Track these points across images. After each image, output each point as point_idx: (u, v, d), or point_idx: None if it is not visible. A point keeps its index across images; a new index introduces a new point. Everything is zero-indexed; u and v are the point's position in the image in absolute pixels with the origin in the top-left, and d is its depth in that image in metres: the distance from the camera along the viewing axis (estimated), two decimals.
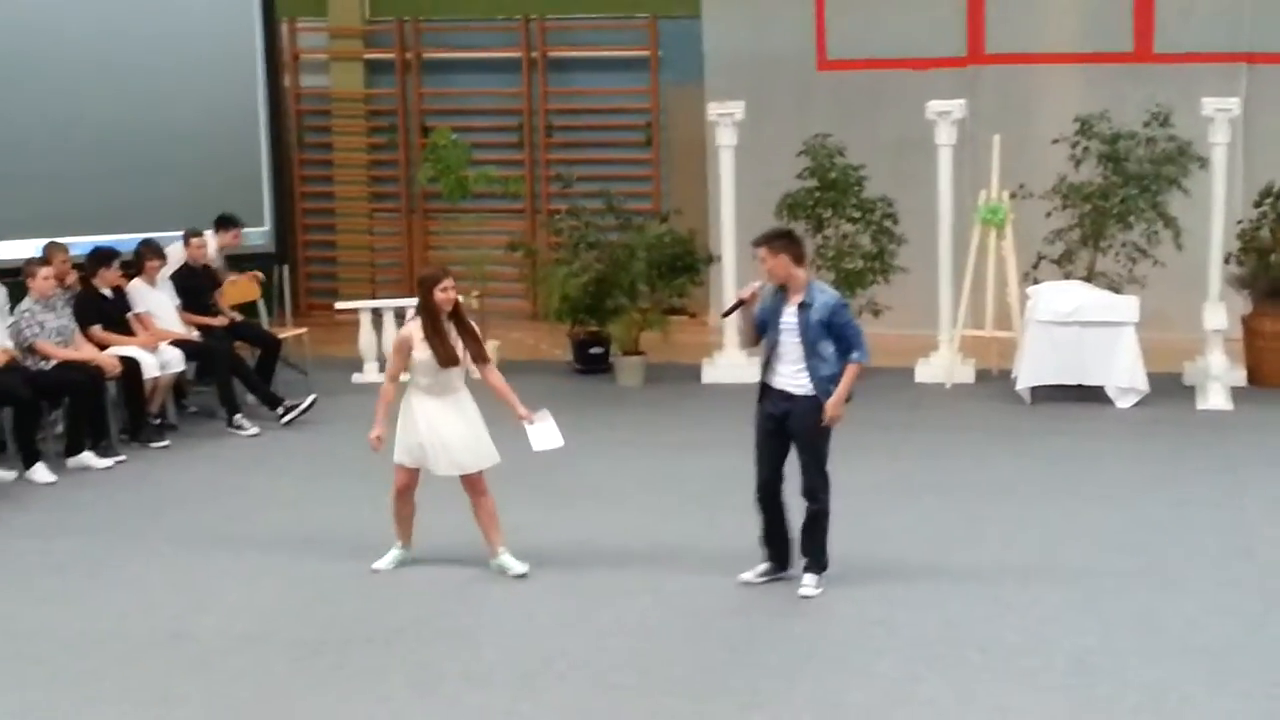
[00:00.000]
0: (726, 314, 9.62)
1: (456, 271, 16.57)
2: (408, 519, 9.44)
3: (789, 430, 8.82)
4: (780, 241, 8.81)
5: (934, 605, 8.66)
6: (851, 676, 7.66)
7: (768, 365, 8.86)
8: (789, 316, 8.73)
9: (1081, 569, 9.25)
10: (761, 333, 8.89)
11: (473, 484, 9.26)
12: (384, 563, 9.41)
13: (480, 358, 9.18)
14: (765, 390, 8.89)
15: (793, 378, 8.76)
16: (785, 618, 8.51)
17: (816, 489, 8.85)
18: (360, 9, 19.43)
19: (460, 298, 9.18)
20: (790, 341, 8.73)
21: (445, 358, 9.00)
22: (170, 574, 9.45)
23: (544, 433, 9.31)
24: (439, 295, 8.98)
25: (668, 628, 8.40)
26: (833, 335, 8.71)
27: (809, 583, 8.90)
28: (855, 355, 8.74)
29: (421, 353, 9.02)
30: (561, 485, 11.34)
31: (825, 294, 8.82)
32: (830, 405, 8.70)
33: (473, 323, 9.26)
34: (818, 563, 8.95)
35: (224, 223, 14.80)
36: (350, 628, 8.47)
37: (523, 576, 9.20)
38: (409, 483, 9.31)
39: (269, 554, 9.72)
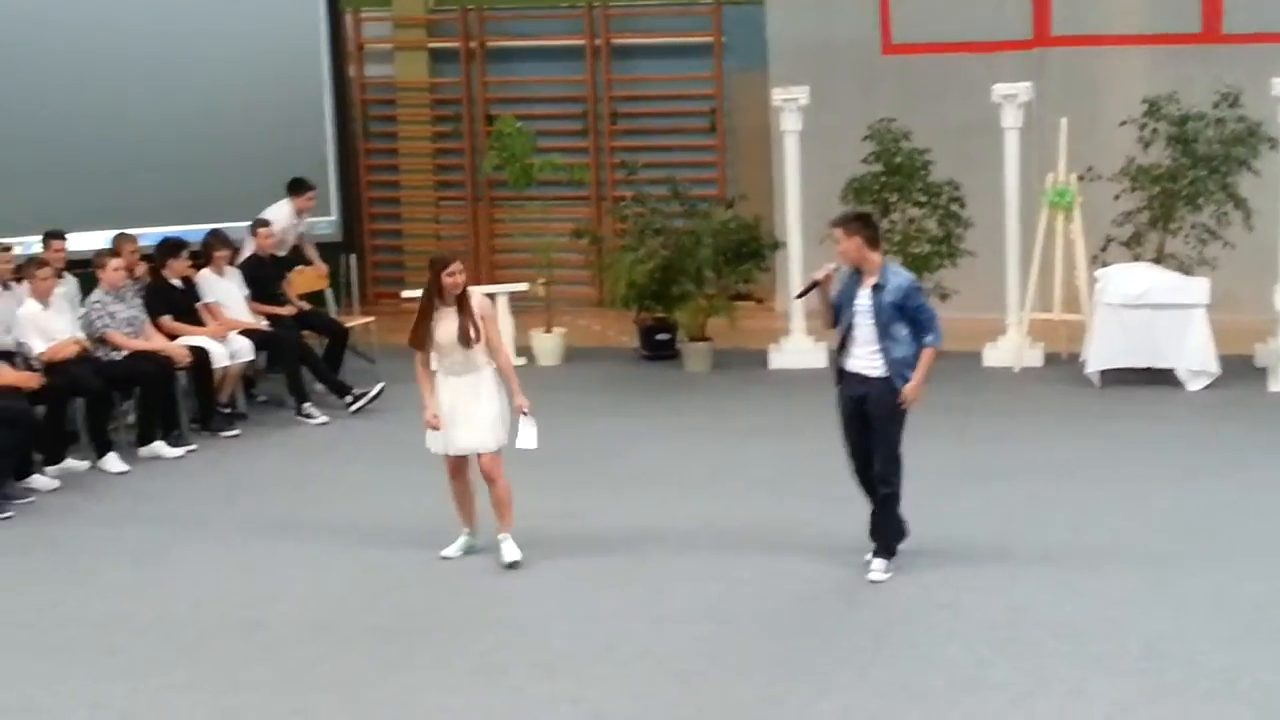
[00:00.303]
0: (801, 295, 9.70)
1: (523, 259, 16.80)
2: (467, 503, 9.49)
3: (867, 412, 8.85)
4: (855, 223, 8.86)
5: (1002, 589, 8.62)
6: (919, 662, 7.65)
7: (843, 348, 8.90)
8: (863, 299, 8.77)
9: (1151, 553, 9.19)
10: (838, 315, 8.93)
11: (485, 469, 9.30)
12: (452, 549, 9.46)
13: (466, 340, 9.10)
14: (841, 374, 8.94)
15: (867, 360, 8.80)
16: (852, 604, 8.50)
17: (889, 473, 8.85)
18: None
19: (479, 291, 9.27)
20: (865, 324, 8.77)
21: (417, 339, 9.17)
22: (241, 562, 9.53)
23: (527, 432, 9.31)
24: (445, 279, 9.10)
25: (735, 614, 8.40)
26: (906, 318, 8.75)
27: (878, 568, 8.89)
28: (929, 339, 8.77)
29: (442, 334, 9.12)
30: (628, 471, 11.38)
31: (899, 276, 8.87)
32: (909, 389, 8.73)
33: (477, 309, 9.19)
34: (887, 548, 8.94)
35: (296, 186, 14.87)
36: (418, 616, 8.52)
37: (514, 565, 9.21)
38: (457, 465, 9.38)
39: (338, 542, 9.78)
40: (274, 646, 8.11)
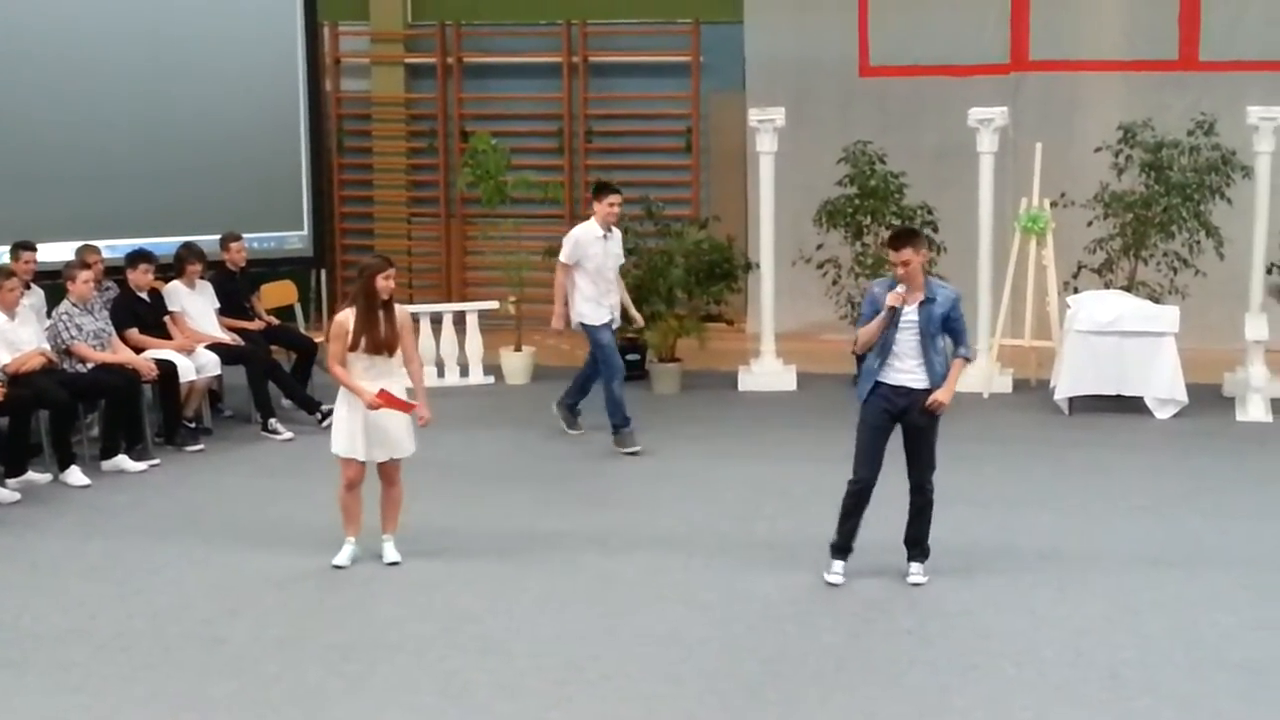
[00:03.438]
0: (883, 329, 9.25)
1: (494, 277, 16.75)
2: (359, 510, 9.63)
3: (908, 423, 9.08)
4: (921, 239, 9.14)
5: (967, 616, 8.62)
6: (883, 687, 7.63)
7: (882, 363, 9.03)
8: (910, 314, 8.97)
9: (1118, 581, 9.18)
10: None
11: (389, 472, 9.54)
12: (344, 558, 9.58)
13: (391, 348, 9.32)
14: (876, 387, 9.07)
15: (912, 372, 9.02)
16: (817, 628, 8.47)
17: (929, 480, 9.17)
18: (402, 13, 19.42)
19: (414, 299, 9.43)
20: (910, 338, 8.98)
21: (373, 344, 9.26)
22: (203, 577, 9.46)
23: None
24: (380, 282, 9.26)
25: (700, 637, 8.36)
26: (947, 329, 9.08)
27: (917, 571, 9.22)
28: (963, 350, 9.19)
29: (368, 341, 9.28)
30: (593, 491, 11.36)
31: (945, 289, 9.15)
32: (943, 394, 9.03)
33: (400, 314, 9.42)
34: (924, 551, 9.29)
35: (602, 190, 12.90)
36: (382, 634, 8.47)
37: (395, 564, 9.50)
38: (359, 476, 9.51)
39: (302, 558, 9.72)
40: (236, 662, 8.05)
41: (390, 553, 9.60)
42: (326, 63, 18.84)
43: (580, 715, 7.36)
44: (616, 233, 12.89)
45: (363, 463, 9.47)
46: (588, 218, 12.80)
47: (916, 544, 9.26)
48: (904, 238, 9.02)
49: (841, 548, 9.20)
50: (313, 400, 13.55)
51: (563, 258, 12.66)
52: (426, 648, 8.23)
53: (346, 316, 9.32)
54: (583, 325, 12.70)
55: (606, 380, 12.62)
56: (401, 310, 9.45)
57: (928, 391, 8.99)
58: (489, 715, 7.38)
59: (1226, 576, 9.26)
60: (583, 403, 13.18)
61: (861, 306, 9.33)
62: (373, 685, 7.74)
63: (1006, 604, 8.81)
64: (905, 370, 9.01)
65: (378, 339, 9.27)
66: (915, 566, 9.23)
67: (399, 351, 9.40)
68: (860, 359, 9.71)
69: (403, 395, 9.43)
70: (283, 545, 10.03)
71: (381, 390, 9.28)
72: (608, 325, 12.75)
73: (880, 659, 8.01)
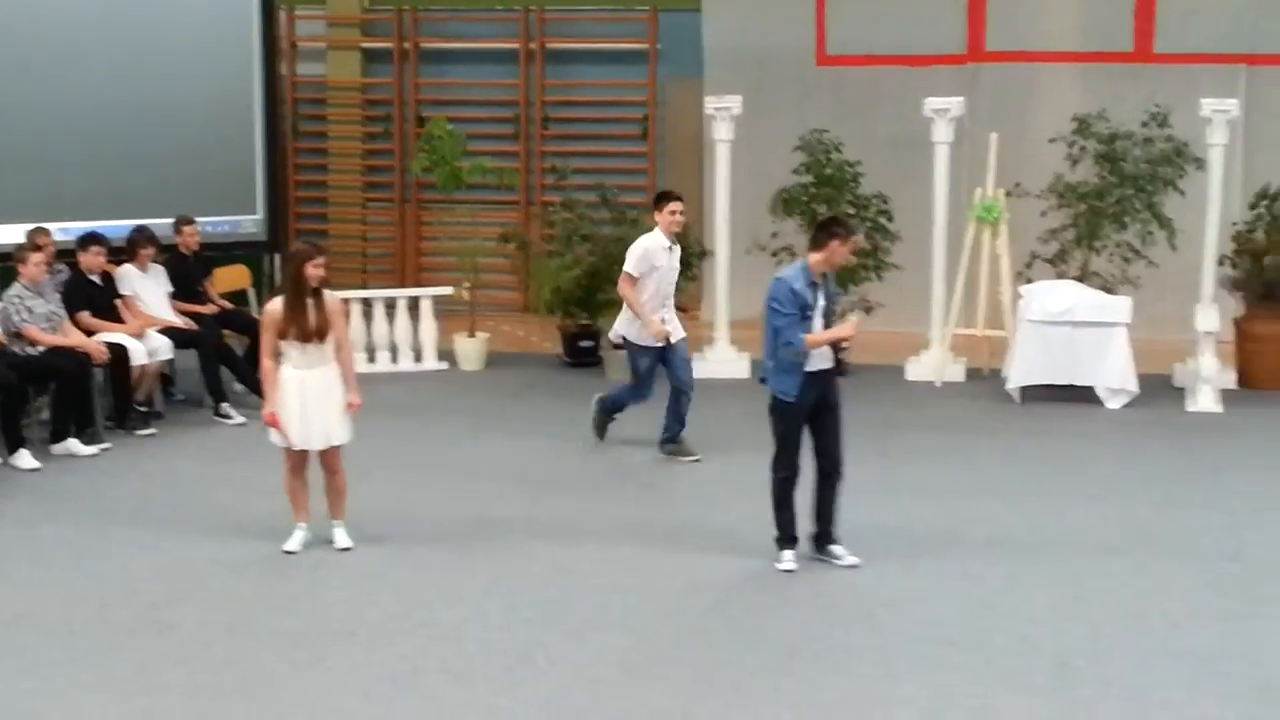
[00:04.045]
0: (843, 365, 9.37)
1: (449, 262, 16.74)
2: (305, 496, 9.65)
3: (827, 405, 9.19)
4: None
5: (917, 604, 8.65)
6: (832, 675, 7.64)
7: (807, 355, 9.07)
8: (821, 299, 9.09)
9: (1067, 570, 9.22)
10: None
11: (329, 460, 9.54)
12: (294, 544, 9.58)
13: (322, 335, 9.33)
14: (805, 378, 9.09)
15: (824, 354, 9.12)
16: (767, 615, 8.49)
17: (841, 456, 9.28)
18: None
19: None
20: (821, 323, 9.10)
21: (303, 332, 9.25)
22: (153, 562, 9.41)
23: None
24: (310, 270, 9.26)
25: (651, 623, 8.37)
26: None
27: (847, 551, 9.31)
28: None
29: (300, 327, 9.29)
30: (546, 478, 11.35)
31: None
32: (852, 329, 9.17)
33: (330, 300, 9.42)
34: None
35: (663, 198, 12.10)
36: (332, 619, 8.45)
37: (347, 550, 9.50)
38: (302, 461, 9.54)
39: (253, 543, 9.69)
40: (185, 648, 8.01)
41: (341, 538, 9.59)
42: (282, 47, 18.76)
43: (530, 702, 7.35)
44: (677, 246, 11.98)
45: (302, 451, 9.48)
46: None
47: (832, 521, 9.33)
48: (846, 227, 9.21)
49: (791, 537, 9.23)
50: None
51: (629, 269, 11.66)
52: (377, 634, 8.21)
53: (277, 305, 9.33)
54: (624, 341, 11.92)
55: (630, 392, 12.01)
56: (331, 296, 9.44)
57: (833, 368, 9.14)
58: (439, 702, 7.37)
59: (1175, 566, 9.32)
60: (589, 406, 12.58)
61: (779, 303, 8.99)
62: (322, 671, 7.71)
63: (956, 592, 8.84)
64: (820, 354, 9.09)
65: (308, 327, 9.26)
66: (843, 549, 9.29)
67: (330, 338, 9.39)
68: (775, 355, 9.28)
69: (338, 383, 9.43)
70: (233, 530, 9.99)
71: (272, 414, 9.34)
72: (651, 351, 11.83)
73: (830, 647, 8.02)
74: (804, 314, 8.96)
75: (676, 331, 11.88)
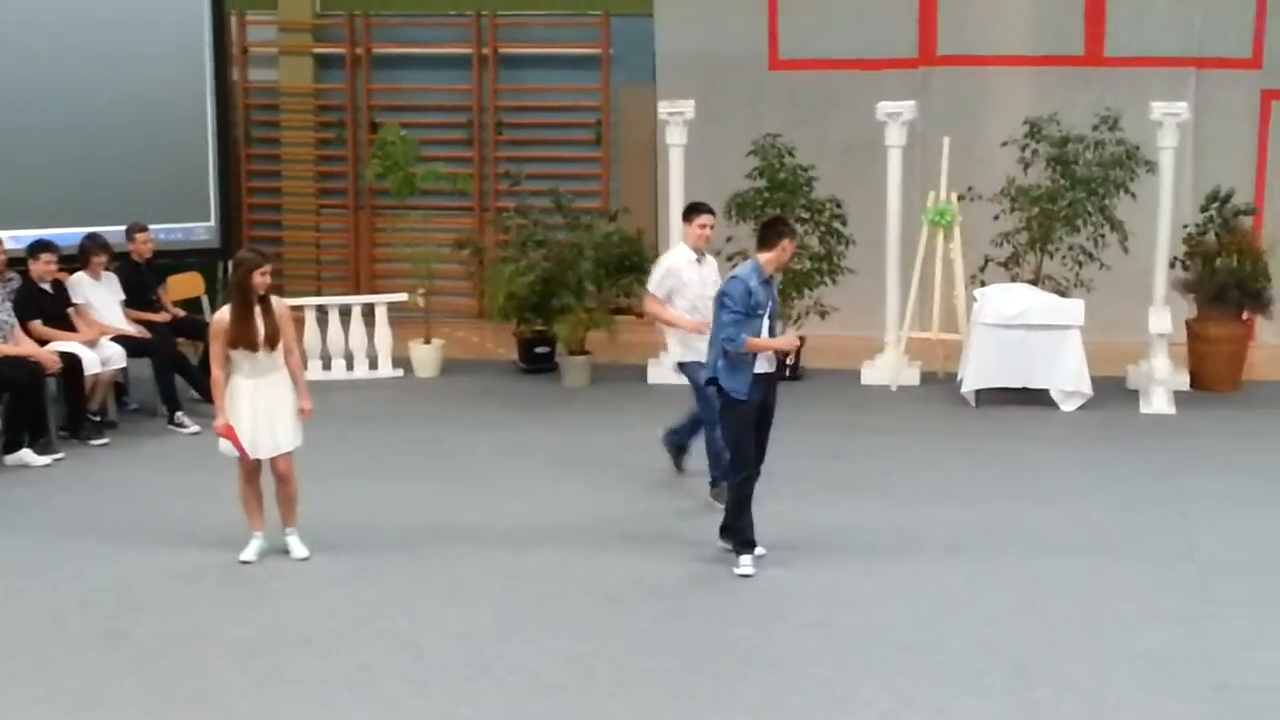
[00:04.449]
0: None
1: (403, 269, 16.69)
2: (259, 505, 9.63)
3: (766, 408, 9.26)
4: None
5: (875, 608, 8.67)
6: (790, 680, 7.65)
7: (755, 355, 9.13)
8: (772, 300, 9.20)
9: (1024, 572, 9.26)
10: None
11: (280, 467, 9.52)
12: (251, 553, 9.55)
13: (272, 343, 9.30)
14: (754, 379, 9.14)
15: (772, 358, 9.27)
16: (725, 621, 8.49)
17: (763, 458, 9.35)
18: (310, 3, 19.29)
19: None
20: (767, 325, 9.17)
21: (252, 341, 9.23)
22: (107, 573, 9.36)
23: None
24: (257, 278, 9.26)
25: (609, 630, 8.37)
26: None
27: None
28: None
29: (251, 336, 9.28)
30: (503, 485, 11.33)
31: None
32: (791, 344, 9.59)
33: (278, 307, 9.43)
34: None
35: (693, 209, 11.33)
36: (290, 629, 8.41)
37: (304, 559, 9.49)
38: (255, 469, 9.52)
39: (209, 553, 9.64)
40: (139, 659, 7.97)
41: (296, 547, 9.58)
42: (234, 53, 18.67)
43: (489, 711, 7.34)
44: (710, 258, 11.19)
45: (255, 459, 9.46)
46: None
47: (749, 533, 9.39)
48: (790, 227, 9.39)
49: (749, 541, 9.24)
50: None
51: (651, 288, 11.07)
52: (334, 643, 8.18)
53: (225, 315, 9.30)
54: (680, 366, 10.96)
55: (708, 427, 10.71)
56: (279, 303, 9.45)
57: (776, 372, 9.28)
58: (397, 711, 7.35)
59: (1130, 567, 9.37)
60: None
61: (732, 300, 9.03)
62: (280, 681, 7.68)
63: (913, 595, 8.87)
64: (766, 357, 9.20)
65: (256, 335, 9.23)
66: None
67: (280, 346, 9.37)
68: (724, 354, 9.20)
69: (289, 390, 9.43)
70: (189, 540, 9.94)
71: (227, 425, 9.30)
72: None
73: (788, 651, 8.04)
74: (754, 312, 9.01)
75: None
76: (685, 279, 10.87)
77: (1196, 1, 16.52)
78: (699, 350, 10.26)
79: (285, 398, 9.42)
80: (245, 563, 9.45)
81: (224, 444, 9.41)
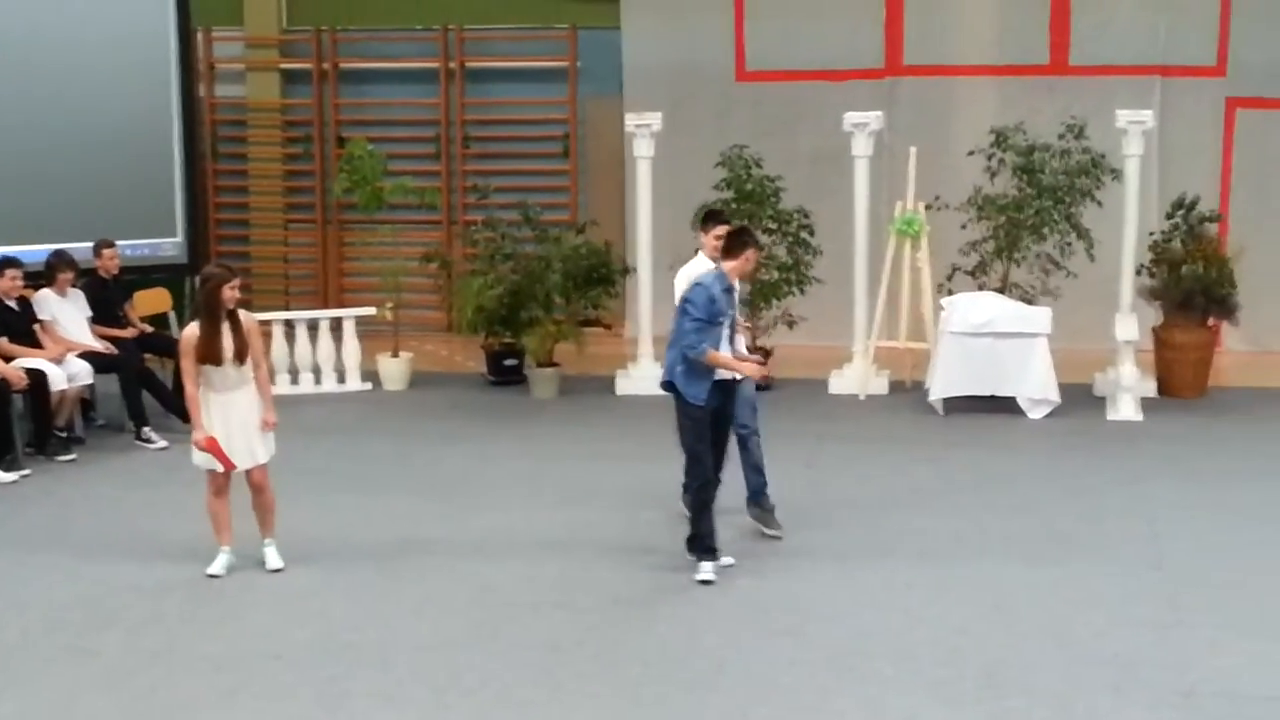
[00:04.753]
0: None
1: (371, 283, 16.65)
2: (228, 519, 9.61)
3: (724, 414, 9.37)
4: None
5: (844, 617, 8.68)
6: (761, 689, 7.66)
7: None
8: (733, 309, 9.24)
9: (993, 580, 9.28)
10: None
11: (255, 479, 9.55)
12: (219, 567, 9.53)
13: (242, 357, 9.33)
14: (712, 385, 9.21)
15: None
16: (695, 631, 8.49)
17: (722, 464, 9.50)
18: (277, 18, 19.25)
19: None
20: (727, 334, 9.24)
21: (221, 355, 9.24)
22: (75, 589, 9.32)
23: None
24: (227, 293, 9.30)
25: (578, 641, 8.36)
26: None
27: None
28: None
29: (219, 351, 9.29)
30: (472, 497, 11.31)
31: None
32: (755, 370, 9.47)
33: (246, 320, 9.45)
34: None
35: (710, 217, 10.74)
36: (257, 643, 8.39)
37: (278, 571, 9.51)
38: (225, 483, 9.52)
39: (177, 568, 9.60)
40: (108, 676, 7.95)
41: (273, 558, 9.58)
42: (200, 68, 18.62)
43: None
44: None
45: (222, 472, 9.45)
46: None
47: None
48: (754, 237, 9.54)
49: (710, 549, 9.25)
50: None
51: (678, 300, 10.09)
52: (303, 657, 8.16)
53: (194, 331, 9.31)
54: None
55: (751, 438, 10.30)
56: (247, 316, 9.47)
57: (733, 380, 9.35)
58: None
59: (1099, 575, 9.39)
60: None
61: (695, 307, 9.03)
62: (248, 696, 7.66)
63: (883, 604, 8.88)
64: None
65: (224, 350, 9.25)
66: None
67: (249, 359, 9.39)
68: (684, 359, 9.18)
69: (258, 402, 9.45)
70: (156, 555, 9.91)
71: (210, 438, 9.29)
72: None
73: (758, 660, 8.04)
74: (716, 320, 9.04)
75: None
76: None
77: (1161, 10, 16.60)
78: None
79: (256, 410, 9.44)
80: (213, 577, 9.42)
81: (201, 457, 9.37)
